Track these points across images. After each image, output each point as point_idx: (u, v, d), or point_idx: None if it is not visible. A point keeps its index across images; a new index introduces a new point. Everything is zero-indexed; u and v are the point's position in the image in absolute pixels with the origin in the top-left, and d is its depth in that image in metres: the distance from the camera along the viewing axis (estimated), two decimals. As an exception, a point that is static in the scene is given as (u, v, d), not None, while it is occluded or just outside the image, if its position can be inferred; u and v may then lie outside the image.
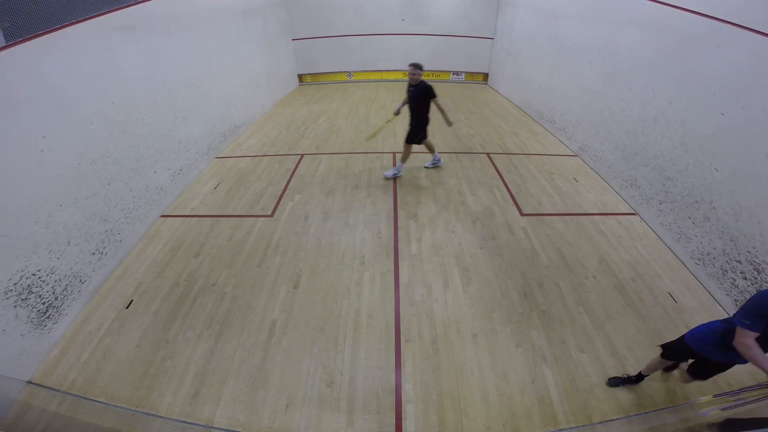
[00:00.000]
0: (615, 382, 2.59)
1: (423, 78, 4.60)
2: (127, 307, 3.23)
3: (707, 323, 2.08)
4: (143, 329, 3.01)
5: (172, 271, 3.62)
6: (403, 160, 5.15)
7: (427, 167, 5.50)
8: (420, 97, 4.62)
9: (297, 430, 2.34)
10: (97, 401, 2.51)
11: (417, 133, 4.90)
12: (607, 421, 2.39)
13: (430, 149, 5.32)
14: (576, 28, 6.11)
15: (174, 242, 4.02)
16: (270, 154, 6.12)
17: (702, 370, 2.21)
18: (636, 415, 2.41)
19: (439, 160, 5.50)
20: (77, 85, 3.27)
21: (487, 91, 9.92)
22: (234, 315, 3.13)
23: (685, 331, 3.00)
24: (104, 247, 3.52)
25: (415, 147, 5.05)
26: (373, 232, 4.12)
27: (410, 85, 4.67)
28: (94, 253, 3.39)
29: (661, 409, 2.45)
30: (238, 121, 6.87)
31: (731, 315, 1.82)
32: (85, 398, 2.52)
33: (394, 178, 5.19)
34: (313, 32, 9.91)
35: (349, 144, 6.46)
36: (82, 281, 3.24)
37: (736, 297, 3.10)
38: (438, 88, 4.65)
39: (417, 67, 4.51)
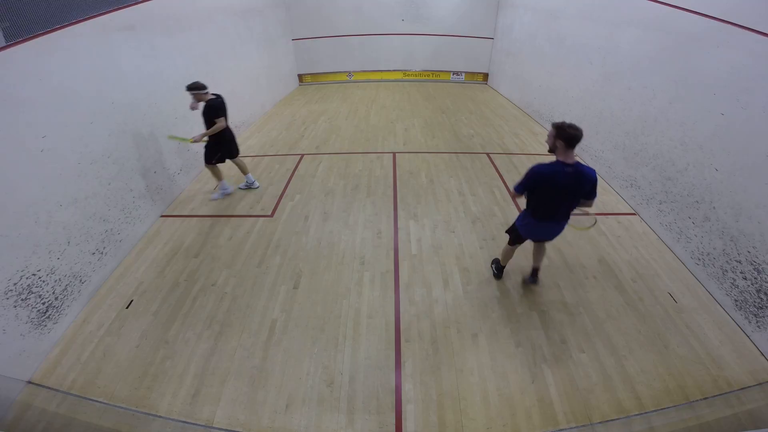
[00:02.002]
0: (497, 266, 3.47)
1: (216, 94, 4.21)
2: (127, 307, 3.23)
3: (522, 214, 2.96)
4: (143, 329, 3.01)
5: (172, 271, 3.62)
6: (219, 179, 4.78)
7: (213, 199, 4.82)
8: (206, 116, 4.22)
9: (297, 430, 2.34)
10: (97, 401, 2.51)
11: (211, 153, 4.48)
12: (607, 421, 2.39)
13: (217, 176, 4.75)
14: (576, 27, 6.12)
15: (174, 242, 4.02)
16: (270, 154, 6.12)
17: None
18: (636, 415, 2.42)
19: (228, 188, 4.91)
20: (77, 85, 3.27)
21: (487, 91, 9.92)
22: (234, 315, 3.13)
23: (686, 331, 3.01)
24: (104, 247, 3.52)
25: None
26: (373, 232, 4.12)
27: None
28: (94, 253, 3.39)
29: (662, 409, 2.45)
30: (238, 121, 6.87)
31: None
32: (85, 398, 2.52)
33: (225, 196, 4.85)
34: (313, 32, 9.93)
35: (349, 144, 6.47)
36: (82, 281, 3.24)
37: (736, 297, 3.10)
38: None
39: (189, 89, 4.02)
